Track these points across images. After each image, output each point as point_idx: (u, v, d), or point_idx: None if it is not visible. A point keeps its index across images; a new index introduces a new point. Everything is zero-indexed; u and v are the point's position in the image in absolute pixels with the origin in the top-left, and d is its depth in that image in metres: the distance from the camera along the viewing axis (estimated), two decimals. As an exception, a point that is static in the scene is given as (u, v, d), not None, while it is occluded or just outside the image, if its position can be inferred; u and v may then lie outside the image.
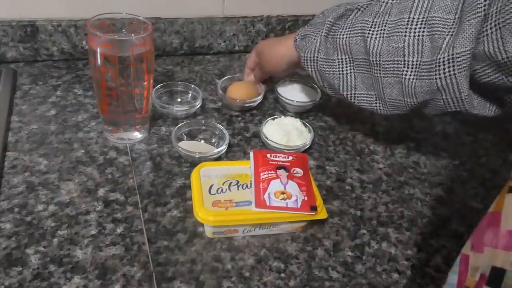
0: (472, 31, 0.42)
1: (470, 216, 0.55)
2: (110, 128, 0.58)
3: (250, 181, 0.50)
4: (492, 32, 0.41)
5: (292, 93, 0.71)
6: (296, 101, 0.69)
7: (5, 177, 0.50)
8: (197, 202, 0.46)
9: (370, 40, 0.50)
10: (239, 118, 0.68)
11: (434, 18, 0.46)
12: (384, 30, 0.49)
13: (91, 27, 0.49)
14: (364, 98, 0.55)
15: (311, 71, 0.58)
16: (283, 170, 0.50)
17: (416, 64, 0.47)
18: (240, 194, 0.48)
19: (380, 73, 0.51)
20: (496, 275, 0.28)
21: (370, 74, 0.53)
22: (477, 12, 0.42)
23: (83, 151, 0.56)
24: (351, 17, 0.54)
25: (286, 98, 0.69)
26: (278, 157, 0.52)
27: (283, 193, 0.47)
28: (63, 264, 0.42)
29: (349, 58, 0.54)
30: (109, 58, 0.49)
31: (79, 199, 0.49)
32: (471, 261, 0.32)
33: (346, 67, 0.54)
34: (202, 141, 0.60)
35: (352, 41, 0.52)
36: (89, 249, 0.44)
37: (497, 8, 0.41)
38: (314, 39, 0.57)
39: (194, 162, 0.56)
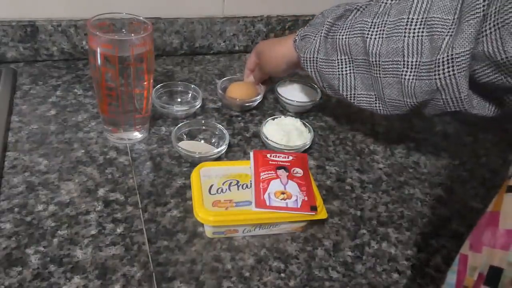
0: (471, 31, 0.42)
1: (470, 216, 0.55)
2: (110, 128, 0.58)
3: (250, 181, 0.50)
4: (491, 33, 0.41)
5: (292, 93, 0.71)
6: (296, 101, 0.69)
7: (5, 177, 0.51)
8: (197, 202, 0.46)
9: (370, 40, 0.50)
10: (239, 118, 0.68)
11: (433, 19, 0.46)
12: (384, 30, 0.49)
13: (91, 27, 0.49)
14: (364, 99, 0.55)
15: (311, 71, 0.58)
16: (283, 170, 0.50)
17: (416, 65, 0.47)
18: (240, 194, 0.48)
19: (379, 74, 0.51)
20: (494, 274, 0.28)
21: (370, 74, 0.53)
22: (476, 12, 0.42)
23: (83, 151, 0.56)
24: (350, 17, 0.54)
25: (286, 98, 0.69)
26: (278, 157, 0.52)
27: (283, 193, 0.47)
28: (63, 264, 0.42)
29: (348, 58, 0.54)
30: (109, 58, 0.49)
31: (79, 199, 0.49)
32: (470, 261, 0.32)
33: (346, 67, 0.54)
34: (202, 141, 0.60)
35: (351, 41, 0.52)
36: (89, 249, 0.44)
37: (496, 8, 0.41)
38: (314, 39, 0.57)
39: (194, 162, 0.56)
